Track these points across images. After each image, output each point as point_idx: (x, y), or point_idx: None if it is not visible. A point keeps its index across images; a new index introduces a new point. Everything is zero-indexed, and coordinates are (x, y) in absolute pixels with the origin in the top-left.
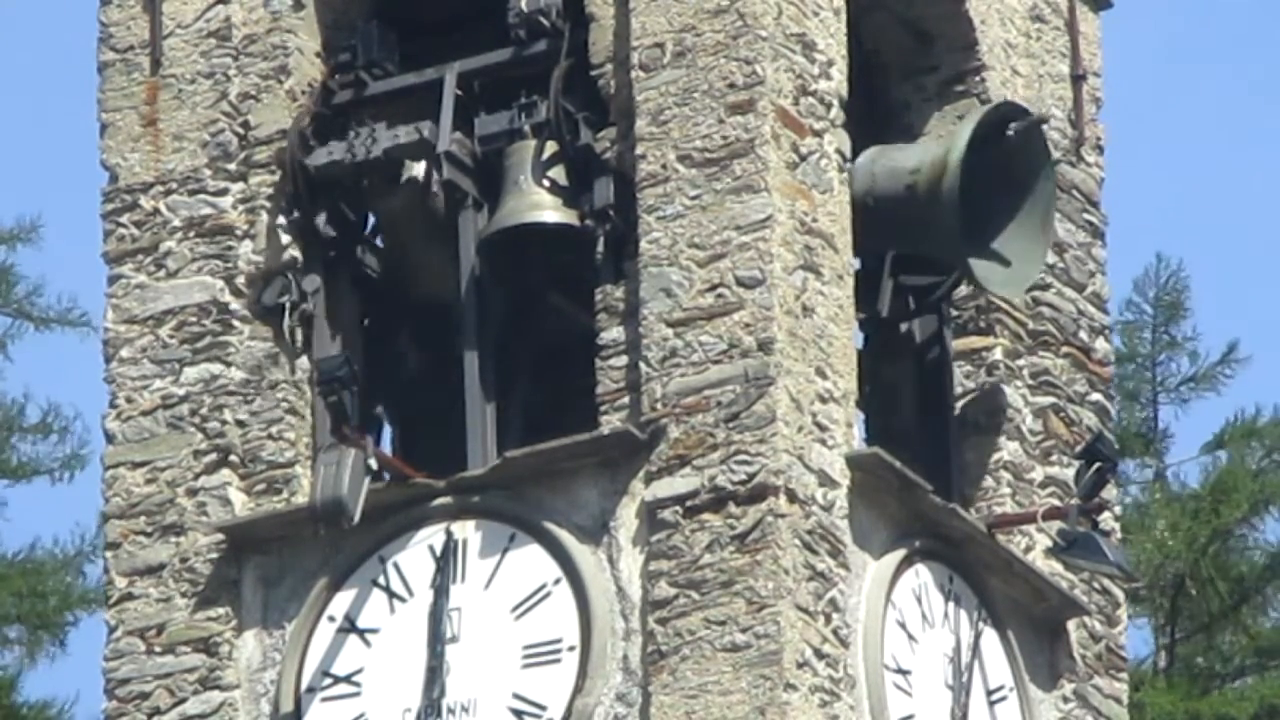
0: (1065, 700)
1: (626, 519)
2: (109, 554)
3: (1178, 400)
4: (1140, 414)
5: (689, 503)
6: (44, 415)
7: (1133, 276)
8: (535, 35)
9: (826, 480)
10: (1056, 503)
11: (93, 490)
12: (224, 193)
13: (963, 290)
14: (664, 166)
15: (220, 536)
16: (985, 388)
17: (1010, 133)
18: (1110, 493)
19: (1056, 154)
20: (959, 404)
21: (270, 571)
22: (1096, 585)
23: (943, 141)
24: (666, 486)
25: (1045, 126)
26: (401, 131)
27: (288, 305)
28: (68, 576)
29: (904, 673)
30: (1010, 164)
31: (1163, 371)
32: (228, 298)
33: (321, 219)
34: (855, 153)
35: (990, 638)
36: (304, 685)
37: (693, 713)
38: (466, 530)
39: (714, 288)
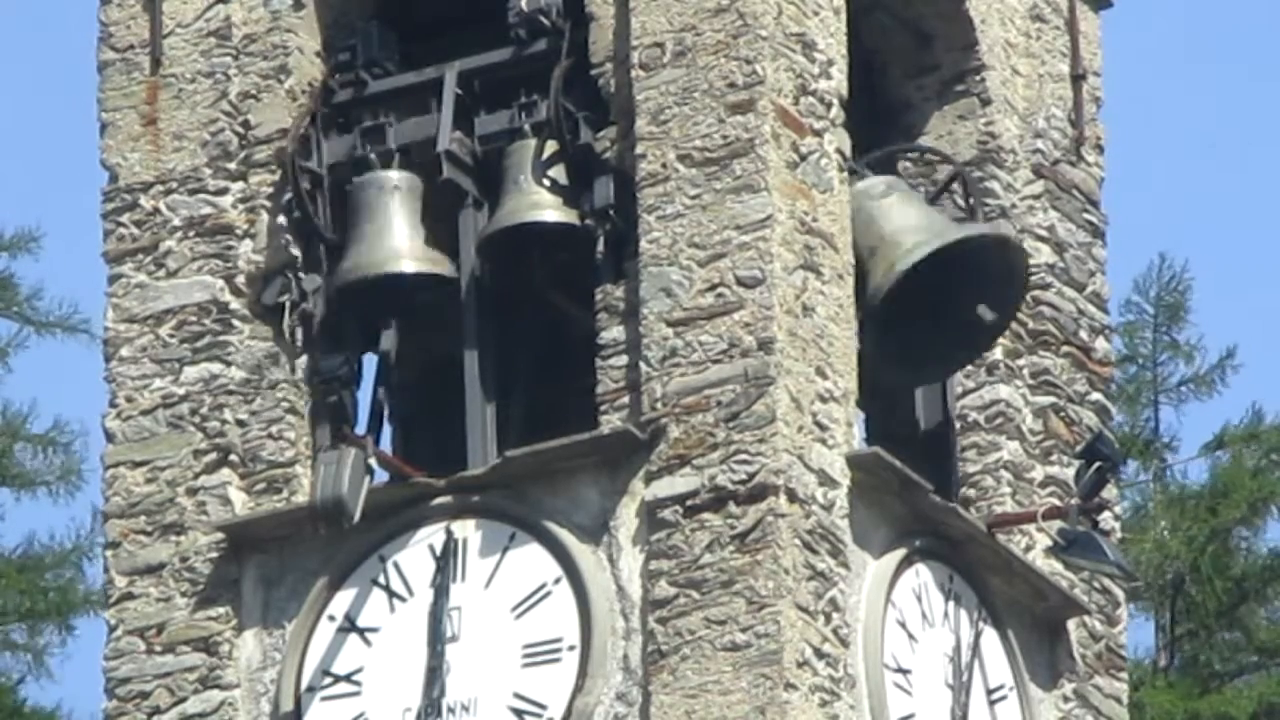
0: (1065, 700)
1: (627, 518)
2: (109, 553)
3: (1177, 401)
4: (1141, 415)
5: (689, 502)
6: (49, 429)
7: (1134, 277)
8: (535, 34)
9: (826, 480)
10: (1056, 502)
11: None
12: (224, 192)
13: None
14: (664, 166)
15: (220, 536)
16: (985, 388)
17: (980, 313)
18: (1110, 492)
19: (1057, 153)
20: (959, 404)
21: (270, 571)
22: (1096, 585)
23: (924, 231)
24: (666, 486)
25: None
26: (403, 131)
27: (288, 305)
28: (66, 572)
29: (904, 672)
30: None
31: (1163, 372)
32: (228, 297)
33: (321, 219)
34: (856, 153)
35: (990, 637)
36: (304, 684)
37: (693, 712)
38: (466, 530)
39: (714, 287)
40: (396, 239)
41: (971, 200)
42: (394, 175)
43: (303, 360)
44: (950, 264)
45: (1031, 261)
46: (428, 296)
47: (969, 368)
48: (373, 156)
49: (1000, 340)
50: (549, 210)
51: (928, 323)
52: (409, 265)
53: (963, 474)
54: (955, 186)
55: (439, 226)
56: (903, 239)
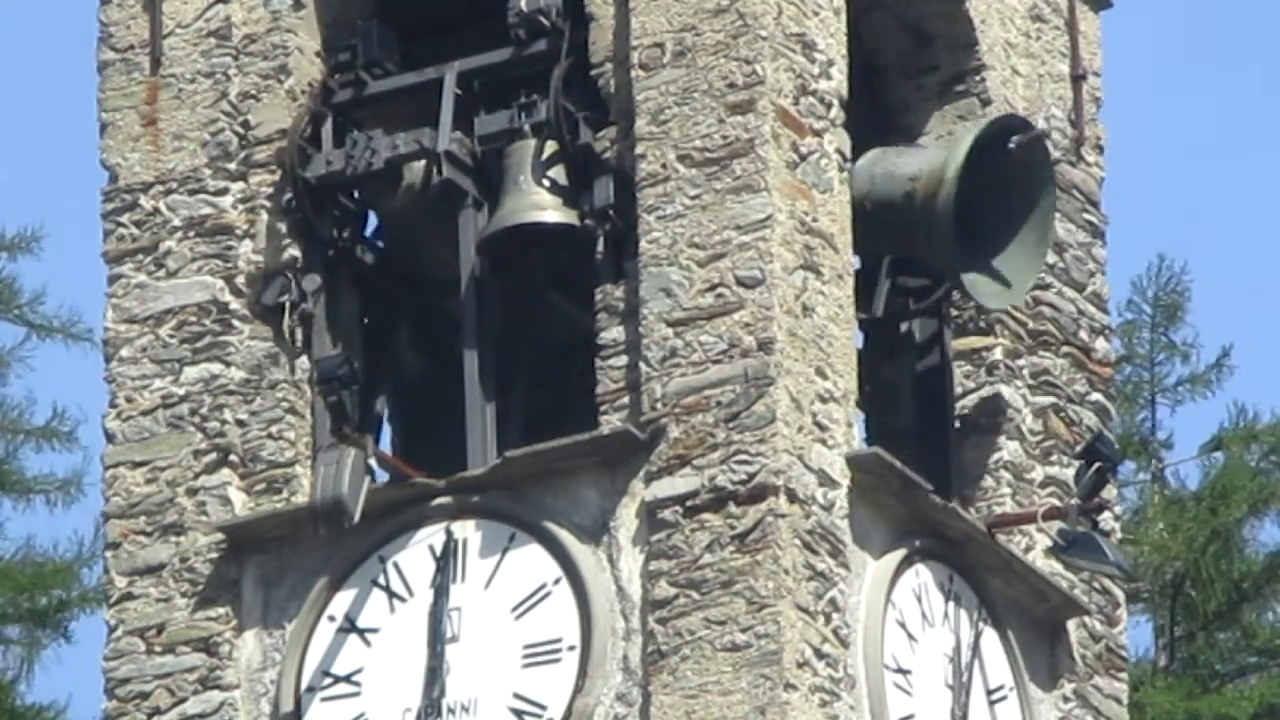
0: (1065, 700)
1: (626, 519)
2: (109, 554)
3: (1175, 401)
4: (1139, 415)
5: (689, 502)
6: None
7: (1132, 277)
8: (535, 35)
9: (826, 480)
10: (1056, 503)
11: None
12: (224, 192)
13: None
14: (664, 166)
15: (220, 536)
16: (985, 388)
17: (1011, 146)
18: (1110, 493)
19: (1056, 153)
20: (959, 404)
21: (270, 571)
22: (1096, 585)
23: (943, 150)
24: (666, 486)
25: (1047, 138)
26: (401, 141)
27: (288, 305)
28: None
29: (904, 672)
30: (1011, 175)
31: (1160, 373)
32: (228, 297)
33: (321, 219)
34: (856, 153)
35: (990, 637)
36: (304, 685)
37: (693, 713)
38: (466, 530)
39: (714, 287)
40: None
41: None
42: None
43: (303, 360)
44: (977, 181)
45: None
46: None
47: (969, 368)
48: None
49: (1000, 340)
50: (549, 210)
51: (996, 220)
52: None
53: (963, 474)
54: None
55: (438, 226)
56: (935, 159)
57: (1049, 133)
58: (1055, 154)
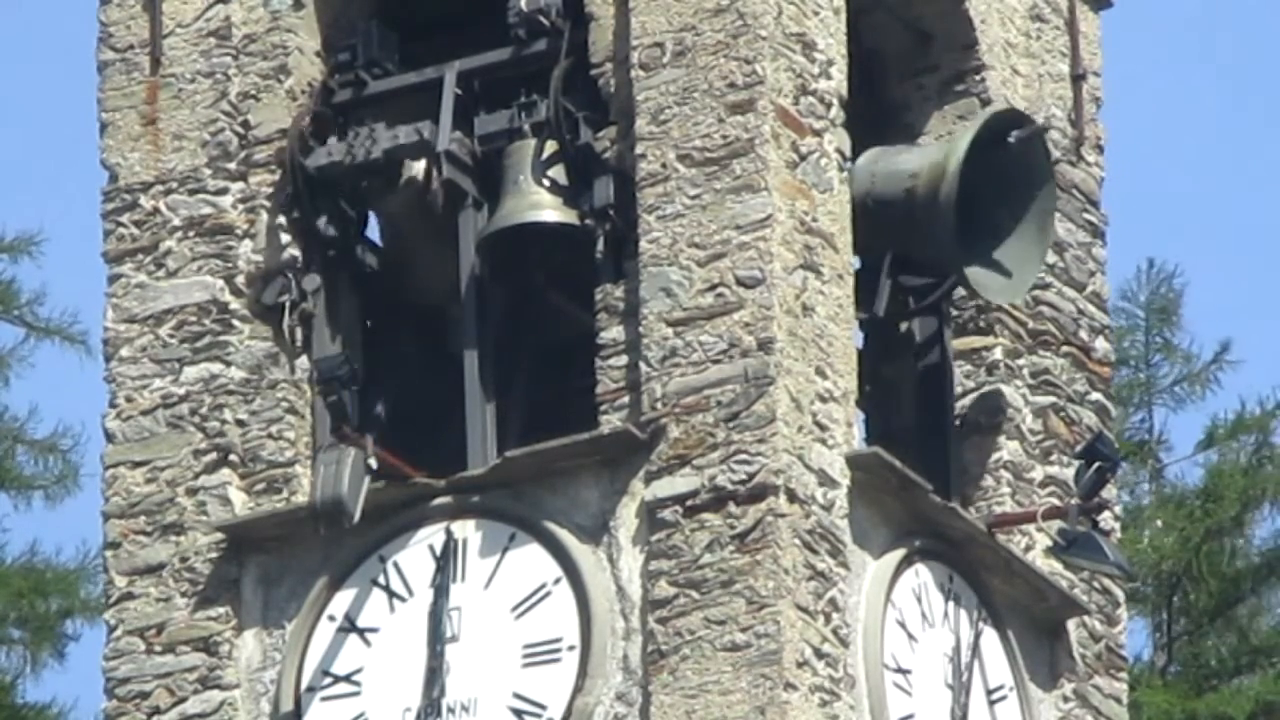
0: (1065, 700)
1: (626, 518)
2: (109, 553)
3: (1170, 402)
4: (1134, 417)
5: (689, 502)
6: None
7: (1126, 279)
8: (535, 34)
9: (826, 480)
10: (1056, 502)
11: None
12: (224, 192)
13: (962, 290)
14: (664, 166)
15: (220, 536)
16: (985, 388)
17: (1011, 140)
18: (1110, 492)
19: (1056, 153)
20: (959, 404)
21: (270, 571)
22: (1096, 585)
23: (943, 146)
24: (666, 486)
25: (1046, 132)
26: (401, 132)
27: (288, 305)
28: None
29: (904, 672)
30: (1011, 170)
31: (1155, 374)
32: (228, 297)
33: (321, 219)
34: (856, 152)
35: (990, 637)
36: (304, 684)
37: (693, 712)
38: (466, 530)
39: (714, 287)
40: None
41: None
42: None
43: (303, 360)
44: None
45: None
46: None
47: (969, 368)
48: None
49: (1000, 340)
50: (549, 210)
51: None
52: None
53: (963, 474)
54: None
55: (440, 226)
56: (935, 155)
57: (1048, 126)
58: (1055, 153)
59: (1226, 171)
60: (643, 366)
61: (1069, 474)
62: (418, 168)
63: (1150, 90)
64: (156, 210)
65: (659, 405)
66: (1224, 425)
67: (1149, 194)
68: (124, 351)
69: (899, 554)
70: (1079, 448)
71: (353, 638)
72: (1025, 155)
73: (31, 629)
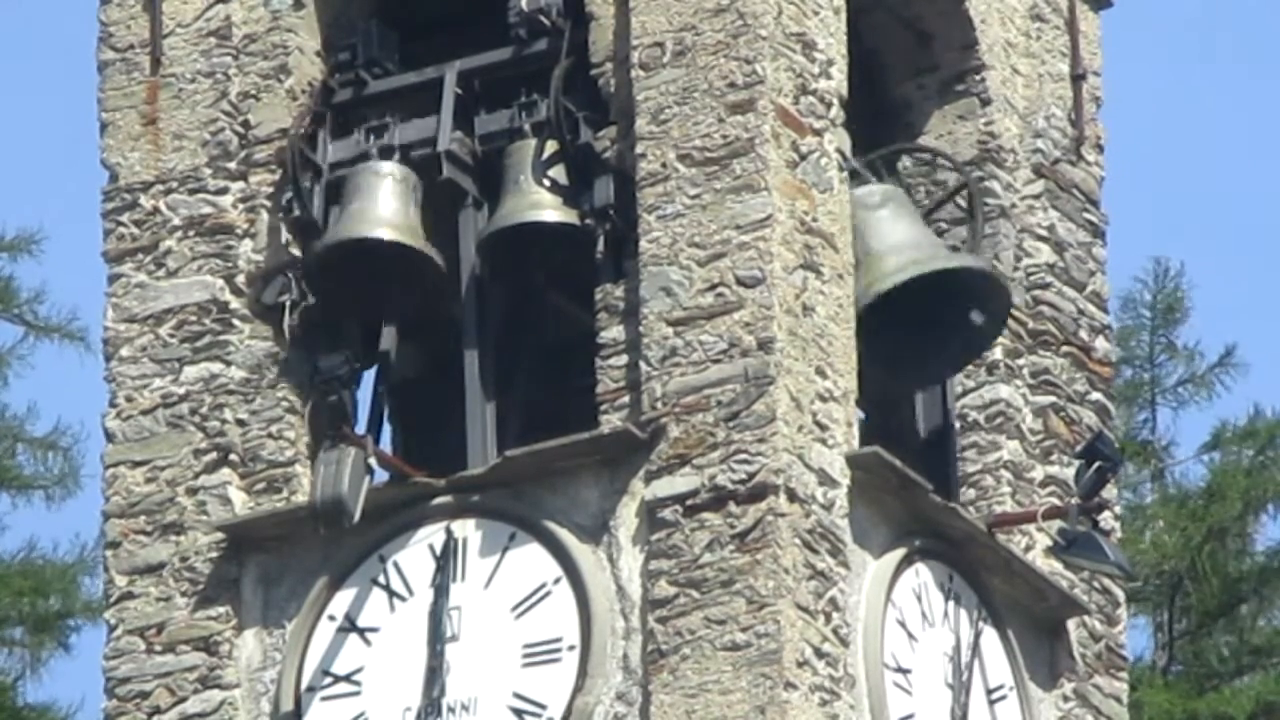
0: (1065, 699)
1: (626, 518)
2: (109, 553)
3: (1175, 403)
4: (1138, 416)
5: (689, 502)
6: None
7: (1131, 278)
8: (535, 34)
9: (826, 479)
10: (1056, 502)
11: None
12: (224, 192)
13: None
14: (664, 165)
15: (220, 536)
16: (985, 388)
17: (972, 317)
18: (1110, 492)
19: (1057, 153)
20: (959, 404)
21: (270, 571)
22: (1096, 585)
23: (913, 251)
24: (666, 486)
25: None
26: (402, 129)
27: (288, 304)
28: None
29: (904, 672)
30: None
31: (1160, 374)
32: (227, 297)
33: (321, 218)
34: (859, 153)
35: (990, 637)
36: (304, 684)
37: (693, 712)
38: (466, 529)
39: (714, 287)
40: (381, 210)
41: (973, 206)
42: (388, 165)
43: (298, 359)
44: (937, 280)
45: (1030, 262)
46: (412, 277)
47: (969, 367)
48: (374, 152)
49: (1000, 340)
50: (549, 210)
51: (919, 328)
52: (387, 233)
53: (963, 474)
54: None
55: (438, 226)
56: (887, 260)
57: (998, 327)
58: (1055, 154)
59: (1227, 171)
60: (643, 366)
61: (1069, 474)
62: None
63: (1150, 90)
64: (156, 210)
65: (659, 405)
66: (1233, 430)
67: (1149, 194)
68: (124, 351)
69: (899, 553)
70: (1079, 448)
71: (353, 637)
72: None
73: (31, 627)
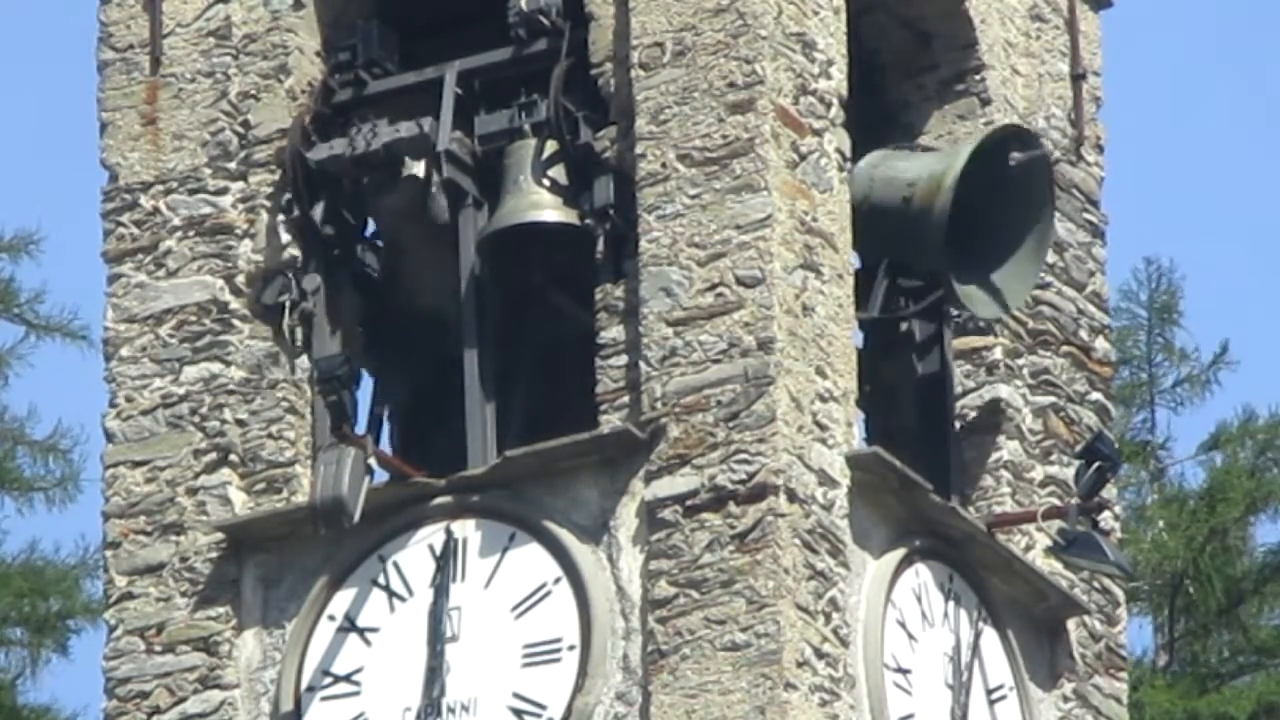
0: (1065, 700)
1: (626, 518)
2: (109, 553)
3: (1173, 403)
4: (1136, 417)
5: (689, 502)
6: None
7: (1124, 279)
8: (535, 34)
9: (826, 479)
10: (1056, 502)
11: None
12: (224, 192)
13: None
14: (664, 165)
15: (220, 536)
16: (985, 388)
17: (1011, 163)
18: (1110, 492)
19: (1057, 153)
20: (959, 404)
21: (270, 571)
22: (1096, 585)
23: (944, 157)
24: (666, 486)
25: (1050, 158)
26: (403, 127)
27: (288, 304)
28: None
29: (904, 672)
30: (1011, 187)
31: (1157, 374)
32: (227, 297)
33: (321, 218)
34: (857, 153)
35: (990, 637)
36: (304, 684)
37: (693, 712)
38: (466, 529)
39: (714, 287)
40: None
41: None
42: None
43: (303, 360)
44: (978, 178)
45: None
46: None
47: (969, 368)
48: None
49: (1000, 340)
50: (549, 210)
51: (993, 232)
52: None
53: (963, 474)
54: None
55: (438, 225)
56: (935, 166)
57: (1051, 154)
58: (1055, 154)
59: (1227, 171)
60: (643, 366)
61: (1069, 474)
62: (418, 167)
63: (1150, 90)
64: (156, 210)
65: (659, 405)
66: (1231, 430)
67: (1150, 194)
68: (124, 351)
69: (899, 554)
70: (1079, 448)
71: (353, 637)
72: (1026, 176)
73: (32, 628)
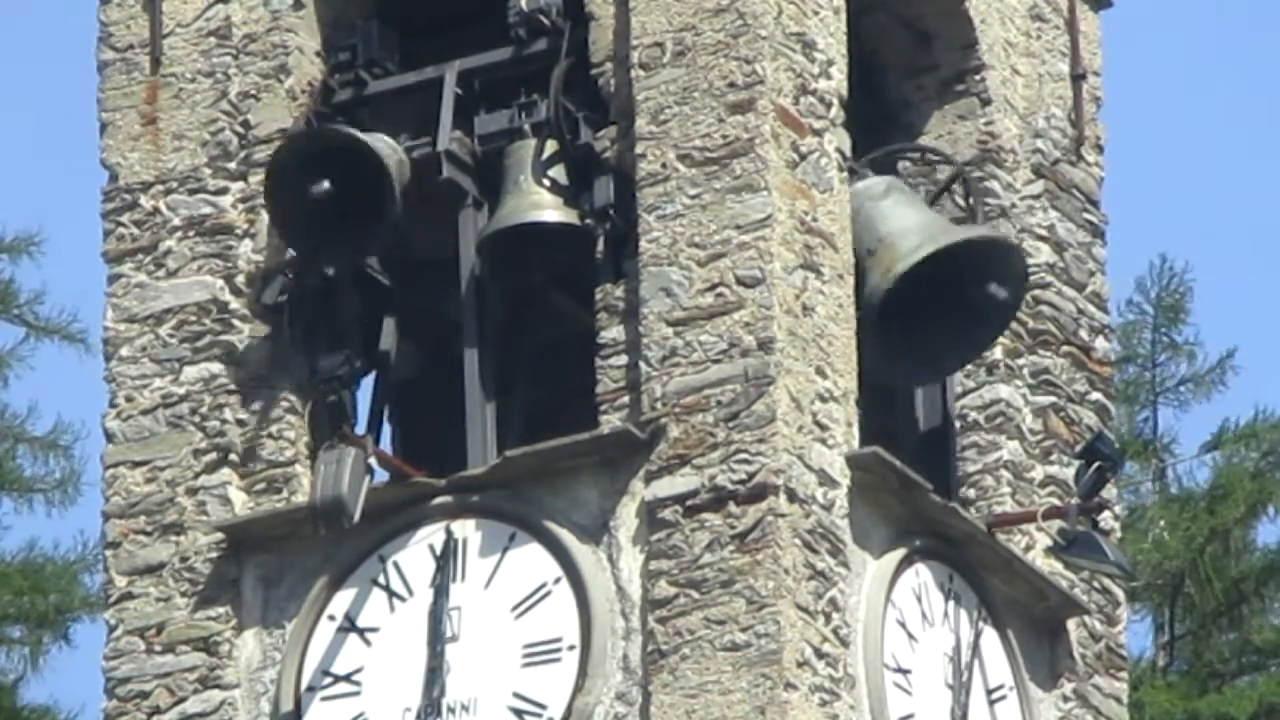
0: (1065, 700)
1: (626, 518)
2: (109, 553)
3: (1177, 403)
4: (1139, 415)
5: (689, 502)
6: (50, 431)
7: (1135, 277)
8: (535, 34)
9: (826, 479)
10: (1056, 502)
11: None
12: (224, 192)
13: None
14: (664, 165)
15: (220, 536)
16: (985, 388)
17: (989, 291)
18: (1110, 492)
19: (1056, 153)
20: (959, 404)
21: (270, 571)
22: (1096, 585)
23: (924, 231)
24: (666, 486)
25: (1023, 291)
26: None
27: (287, 304)
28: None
29: (904, 672)
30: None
31: (1162, 373)
32: (227, 297)
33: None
34: (857, 153)
35: (990, 637)
36: (304, 684)
37: (693, 712)
38: (466, 529)
39: (714, 287)
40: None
41: (972, 200)
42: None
43: (303, 360)
44: (951, 261)
45: (1031, 261)
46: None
47: (969, 367)
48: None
49: (1000, 340)
50: (549, 210)
51: (930, 321)
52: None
53: (963, 474)
54: (956, 187)
55: (438, 226)
56: (901, 241)
57: (1019, 297)
58: (1055, 154)
59: (1227, 171)
60: (643, 366)
61: (1069, 474)
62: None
63: (1150, 90)
64: (156, 210)
65: (659, 405)
66: (1233, 431)
67: (1150, 194)
68: (124, 351)
69: (899, 554)
70: (1079, 448)
71: (353, 637)
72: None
73: (32, 624)
